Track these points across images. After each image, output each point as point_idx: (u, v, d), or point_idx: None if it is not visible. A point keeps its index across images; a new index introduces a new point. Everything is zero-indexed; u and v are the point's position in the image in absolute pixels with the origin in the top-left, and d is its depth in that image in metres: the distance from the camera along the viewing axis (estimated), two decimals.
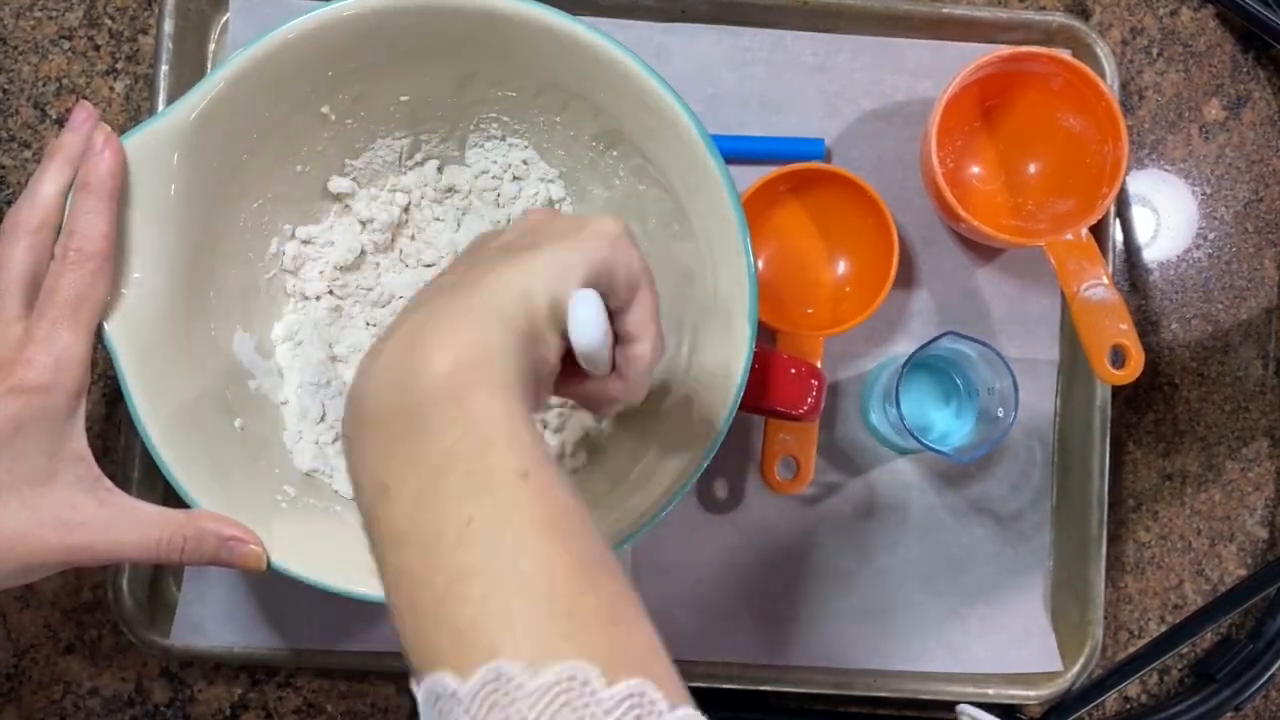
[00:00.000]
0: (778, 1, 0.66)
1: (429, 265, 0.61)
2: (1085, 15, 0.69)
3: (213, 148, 0.53)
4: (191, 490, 0.51)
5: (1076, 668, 0.65)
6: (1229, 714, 0.65)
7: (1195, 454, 0.69)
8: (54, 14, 0.66)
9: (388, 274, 0.61)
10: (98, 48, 0.66)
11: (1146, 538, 0.68)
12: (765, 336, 0.62)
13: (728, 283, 0.53)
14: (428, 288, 0.43)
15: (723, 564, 0.65)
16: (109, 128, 0.50)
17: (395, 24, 0.53)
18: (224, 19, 0.66)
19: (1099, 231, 0.65)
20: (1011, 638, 0.66)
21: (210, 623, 0.63)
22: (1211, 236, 0.70)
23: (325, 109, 0.56)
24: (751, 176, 0.63)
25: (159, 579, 0.64)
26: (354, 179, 0.60)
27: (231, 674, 0.65)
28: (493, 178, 0.61)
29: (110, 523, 0.48)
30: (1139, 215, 0.70)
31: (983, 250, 0.67)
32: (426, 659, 0.34)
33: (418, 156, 0.61)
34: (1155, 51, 0.70)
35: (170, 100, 0.63)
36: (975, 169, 0.67)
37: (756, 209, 0.63)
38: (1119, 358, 0.61)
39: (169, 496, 0.51)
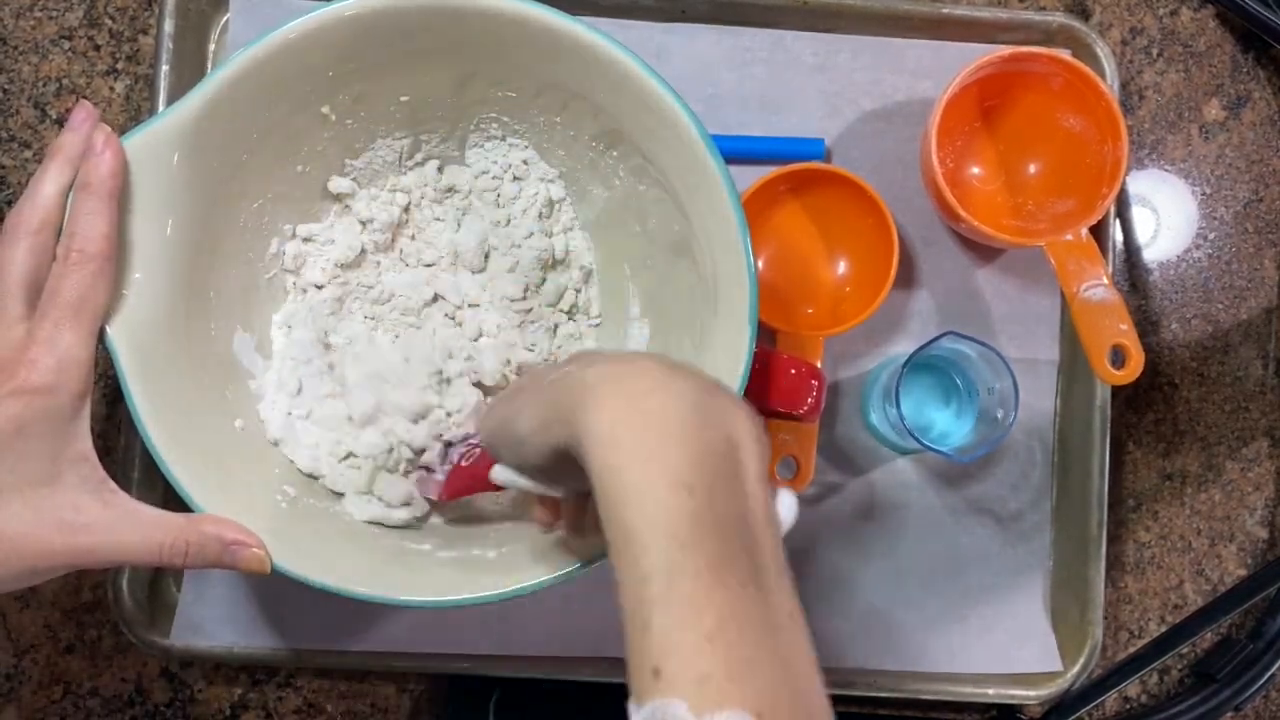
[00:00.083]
0: (778, 1, 0.66)
1: (429, 265, 0.61)
2: (1085, 15, 0.69)
3: (213, 148, 0.53)
4: (192, 491, 0.51)
5: (1076, 668, 0.65)
6: (1229, 714, 0.65)
7: (1195, 454, 0.69)
8: (54, 14, 0.66)
9: (388, 273, 0.61)
10: (98, 48, 0.66)
11: (1146, 538, 0.68)
12: (765, 336, 0.62)
13: (728, 283, 0.53)
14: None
15: None
16: (109, 128, 0.50)
17: (395, 24, 0.53)
18: (224, 19, 0.66)
19: (1099, 232, 0.65)
20: (1011, 638, 0.65)
21: (210, 623, 0.63)
22: (1211, 236, 0.70)
23: (325, 109, 0.56)
24: (751, 176, 0.63)
25: (159, 579, 0.64)
26: (354, 179, 0.60)
27: (231, 674, 0.65)
28: (493, 178, 0.61)
29: (114, 525, 0.48)
30: (1139, 215, 0.70)
31: (983, 250, 0.67)
32: None
33: (418, 156, 0.61)
34: (1155, 51, 0.70)
35: (170, 100, 0.63)
36: (975, 169, 0.67)
37: (756, 209, 0.63)
38: (1119, 358, 0.61)
39: (169, 497, 0.51)
